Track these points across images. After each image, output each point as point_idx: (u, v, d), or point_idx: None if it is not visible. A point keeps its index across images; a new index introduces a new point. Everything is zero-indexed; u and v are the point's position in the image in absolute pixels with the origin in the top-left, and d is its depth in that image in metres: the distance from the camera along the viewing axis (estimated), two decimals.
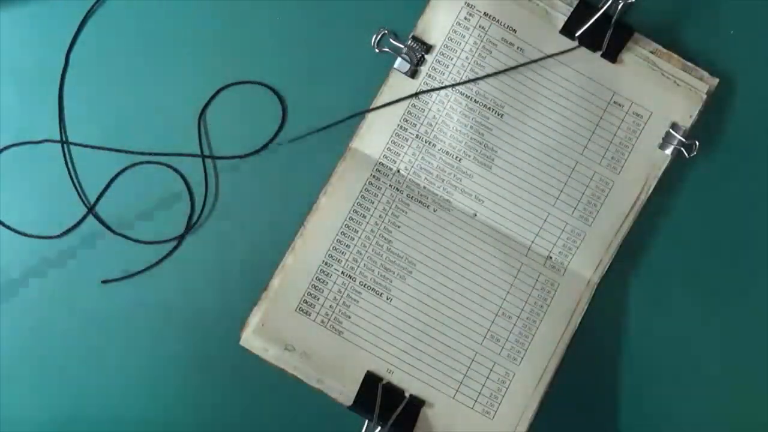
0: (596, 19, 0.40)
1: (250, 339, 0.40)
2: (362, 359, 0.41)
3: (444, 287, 0.41)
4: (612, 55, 0.41)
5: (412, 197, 0.41)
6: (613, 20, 0.40)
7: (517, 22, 0.41)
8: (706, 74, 0.42)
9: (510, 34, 0.42)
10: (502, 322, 0.41)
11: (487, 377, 0.41)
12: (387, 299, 0.41)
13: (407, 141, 0.41)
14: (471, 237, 0.41)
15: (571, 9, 0.41)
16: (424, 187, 0.41)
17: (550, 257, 0.42)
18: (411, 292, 0.41)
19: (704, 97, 0.42)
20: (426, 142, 0.41)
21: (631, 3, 0.39)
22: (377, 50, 0.41)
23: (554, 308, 0.41)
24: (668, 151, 0.41)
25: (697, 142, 0.41)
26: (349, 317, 0.41)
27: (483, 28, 0.41)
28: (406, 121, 0.41)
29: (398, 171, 0.41)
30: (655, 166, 0.42)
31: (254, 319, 0.41)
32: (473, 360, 0.41)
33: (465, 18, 0.41)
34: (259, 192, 0.42)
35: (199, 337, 0.42)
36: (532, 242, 0.41)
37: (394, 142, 0.41)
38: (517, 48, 0.41)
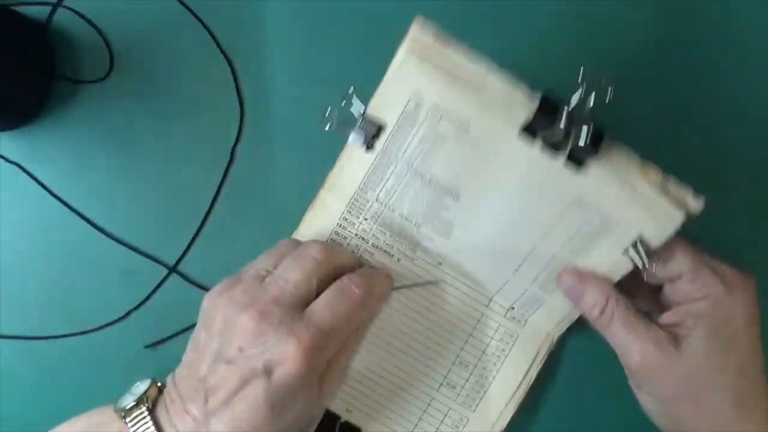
0: (561, 121, 0.34)
1: None
2: None
3: (403, 334, 0.42)
4: (578, 160, 0.36)
5: (377, 246, 0.41)
6: (584, 123, 0.34)
7: (470, 117, 0.36)
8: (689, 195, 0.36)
9: (462, 131, 0.37)
10: (459, 370, 0.43)
11: (442, 422, 0.43)
12: None
13: (368, 203, 0.41)
14: (432, 287, 0.42)
15: (534, 105, 0.35)
16: (386, 242, 0.41)
17: (513, 308, 0.42)
18: (371, 337, 0.42)
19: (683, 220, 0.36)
20: (385, 206, 0.40)
21: (607, 102, 0.33)
22: (327, 127, 0.38)
23: (513, 358, 0.43)
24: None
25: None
26: None
27: (433, 120, 0.37)
28: (366, 185, 0.40)
29: (362, 222, 0.41)
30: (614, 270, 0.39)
31: None
32: (429, 405, 0.43)
33: (413, 109, 0.37)
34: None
35: None
36: (494, 295, 0.42)
37: (357, 200, 0.41)
38: (471, 146, 0.37)
